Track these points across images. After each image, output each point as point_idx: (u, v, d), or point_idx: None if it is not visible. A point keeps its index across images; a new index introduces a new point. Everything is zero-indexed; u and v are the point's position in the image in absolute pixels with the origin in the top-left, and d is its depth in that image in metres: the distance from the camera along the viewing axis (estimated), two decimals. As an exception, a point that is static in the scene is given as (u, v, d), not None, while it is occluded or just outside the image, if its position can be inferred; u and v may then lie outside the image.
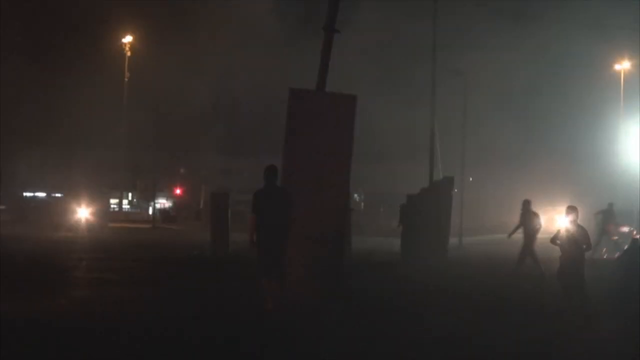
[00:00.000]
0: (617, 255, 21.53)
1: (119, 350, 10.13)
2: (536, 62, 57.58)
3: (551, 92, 61.18)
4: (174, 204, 72.18)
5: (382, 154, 61.28)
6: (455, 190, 30.16)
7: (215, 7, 54.75)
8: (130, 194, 76.65)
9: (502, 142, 61.06)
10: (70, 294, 15.52)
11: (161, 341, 10.68)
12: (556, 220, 32.65)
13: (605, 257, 26.96)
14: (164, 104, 59.25)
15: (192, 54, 55.11)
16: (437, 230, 24.51)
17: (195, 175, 74.98)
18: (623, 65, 57.64)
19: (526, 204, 21.01)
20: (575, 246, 12.99)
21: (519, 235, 21.30)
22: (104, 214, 48.75)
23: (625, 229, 31.97)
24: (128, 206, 75.48)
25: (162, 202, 70.17)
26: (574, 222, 13.09)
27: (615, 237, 29.36)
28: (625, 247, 19.29)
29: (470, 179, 53.54)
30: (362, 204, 66.80)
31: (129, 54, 61.70)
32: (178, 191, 74.77)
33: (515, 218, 21.89)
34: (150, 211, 61.50)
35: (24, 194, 64.94)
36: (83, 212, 46.33)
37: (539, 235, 20.71)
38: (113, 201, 68.11)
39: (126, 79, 61.81)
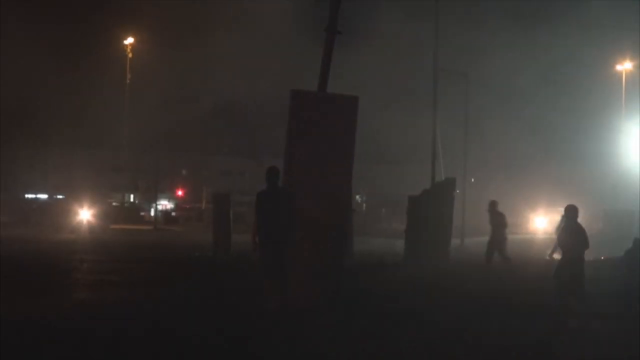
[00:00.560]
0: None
1: (119, 350, 10.14)
2: (538, 64, 57.62)
3: (552, 92, 61.21)
4: (176, 205, 72.12)
5: (384, 155, 61.33)
6: (457, 191, 30.15)
7: (219, 9, 54.87)
8: (132, 195, 76.63)
9: (504, 143, 61.12)
10: (71, 295, 15.52)
11: (162, 342, 10.68)
12: (558, 220, 32.54)
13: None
14: (165, 105, 59.31)
15: (195, 55, 55.15)
16: (439, 231, 24.51)
17: (196, 176, 75.00)
18: (624, 66, 57.64)
19: (492, 205, 21.63)
20: (574, 245, 12.98)
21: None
22: (106, 215, 48.64)
23: None
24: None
25: (164, 204, 70.10)
26: (574, 221, 13.08)
27: None
28: None
29: (472, 180, 53.50)
30: (364, 205, 66.75)
31: (130, 55, 61.76)
32: (180, 192, 74.74)
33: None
34: (152, 212, 61.47)
35: (26, 195, 65.03)
36: (85, 214, 46.26)
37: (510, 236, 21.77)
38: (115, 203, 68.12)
39: (128, 81, 61.87)
